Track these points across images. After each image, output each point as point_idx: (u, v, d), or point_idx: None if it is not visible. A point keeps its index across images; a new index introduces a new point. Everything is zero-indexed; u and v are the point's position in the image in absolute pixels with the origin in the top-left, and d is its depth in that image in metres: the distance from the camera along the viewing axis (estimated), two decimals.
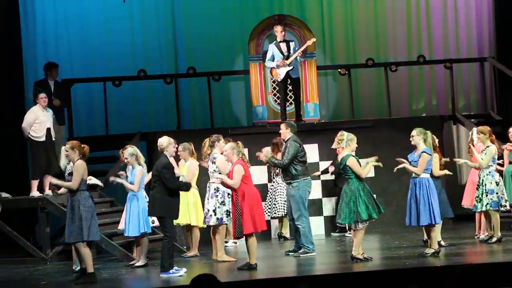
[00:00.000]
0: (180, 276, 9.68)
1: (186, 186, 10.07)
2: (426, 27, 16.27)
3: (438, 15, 16.28)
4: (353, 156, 10.00)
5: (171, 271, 9.73)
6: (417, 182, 10.17)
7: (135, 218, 10.75)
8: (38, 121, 12.08)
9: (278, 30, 13.94)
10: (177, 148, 10.66)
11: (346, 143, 10.06)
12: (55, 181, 9.70)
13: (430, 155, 10.21)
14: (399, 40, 16.21)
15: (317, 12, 16.12)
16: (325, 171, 13.38)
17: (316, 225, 13.42)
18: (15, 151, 13.09)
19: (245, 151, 10.28)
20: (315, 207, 13.54)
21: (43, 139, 12.09)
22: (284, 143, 11.11)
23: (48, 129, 12.18)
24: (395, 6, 16.21)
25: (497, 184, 11.10)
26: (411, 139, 10.34)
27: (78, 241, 9.46)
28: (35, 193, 12.13)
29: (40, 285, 9.87)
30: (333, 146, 10.28)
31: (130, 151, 10.89)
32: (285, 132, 11.06)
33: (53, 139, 12.30)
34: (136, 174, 10.78)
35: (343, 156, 10.02)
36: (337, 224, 12.16)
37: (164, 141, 10.07)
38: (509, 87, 15.41)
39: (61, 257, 11.86)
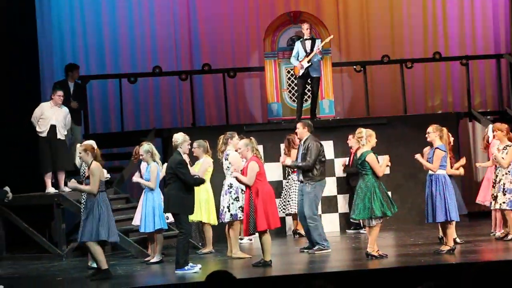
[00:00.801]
0: (195, 272, 9.69)
1: (200, 181, 10.11)
2: (442, 24, 16.20)
3: (454, 11, 16.20)
4: (373, 152, 9.98)
5: (186, 267, 9.75)
6: (433, 179, 10.14)
7: (151, 214, 10.78)
8: (43, 116, 12.15)
9: (304, 27, 13.90)
10: (191, 145, 10.69)
11: (365, 140, 10.05)
12: (74, 185, 9.71)
13: (444, 151, 10.18)
14: (415, 36, 16.15)
15: (332, 9, 16.08)
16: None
17: (331, 222, 13.41)
18: (30, 148, 13.13)
19: (260, 147, 10.27)
20: (330, 204, 13.52)
21: (45, 134, 12.16)
22: (302, 143, 11.05)
23: (53, 126, 12.20)
24: (410, 2, 16.15)
25: None
26: (427, 135, 10.31)
27: (90, 240, 9.49)
28: (50, 189, 12.19)
29: (55, 281, 9.91)
30: (351, 144, 10.26)
31: (146, 148, 10.92)
32: (303, 132, 11.02)
33: (60, 137, 12.27)
34: (151, 170, 10.80)
35: (362, 152, 10.00)
36: (351, 221, 12.13)
37: (179, 138, 10.08)
38: None
39: (77, 253, 11.90)
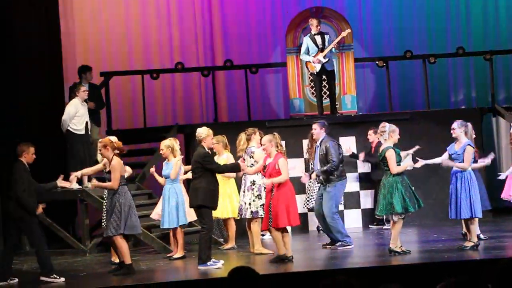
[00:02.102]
0: (217, 268, 9.71)
1: (235, 166, 10.19)
2: (466, 18, 16.10)
3: (477, 5, 16.09)
4: (393, 148, 9.92)
5: (208, 263, 9.77)
6: (458, 175, 10.07)
7: (174, 210, 10.81)
8: (79, 114, 12.18)
9: (313, 23, 13.86)
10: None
11: (388, 135, 9.99)
12: (96, 183, 9.74)
13: (473, 147, 10.14)
14: (438, 31, 16.06)
15: (355, 4, 16.04)
16: (355, 156, 13.24)
17: (354, 218, 13.39)
18: (54, 145, 13.21)
19: (282, 143, 10.26)
20: (353, 200, 13.48)
21: (83, 132, 12.19)
22: (319, 145, 10.98)
23: (87, 123, 12.30)
24: None
25: None
26: (452, 131, 10.23)
27: (115, 234, 9.53)
28: (74, 185, 12.24)
29: (79, 276, 9.97)
30: (372, 139, 10.23)
31: (167, 143, 10.96)
32: (319, 133, 10.97)
33: (89, 132, 12.41)
34: (173, 164, 10.83)
35: (383, 148, 9.96)
36: (376, 217, 12.10)
37: (203, 132, 10.10)
38: None
39: (100, 249, 11.97)
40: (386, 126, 10.04)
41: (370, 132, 12.86)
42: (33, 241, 9.76)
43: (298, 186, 12.27)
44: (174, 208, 10.81)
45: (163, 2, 15.80)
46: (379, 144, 12.39)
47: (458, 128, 10.15)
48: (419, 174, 13.28)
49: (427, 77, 14.89)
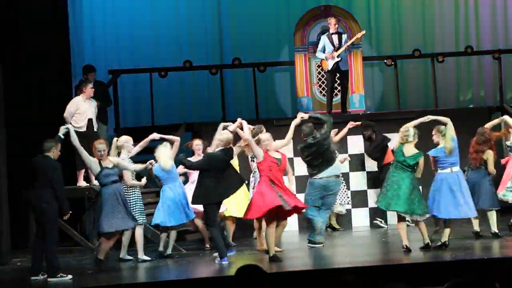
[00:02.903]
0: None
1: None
2: (474, 17, 16.07)
3: (486, 4, 16.06)
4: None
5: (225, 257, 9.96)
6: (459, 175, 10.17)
7: (179, 207, 10.80)
8: (79, 111, 12.17)
9: (331, 22, 13.87)
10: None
11: (412, 137, 10.05)
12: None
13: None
14: (447, 30, 16.04)
15: (363, 3, 16.02)
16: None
17: (361, 216, 13.36)
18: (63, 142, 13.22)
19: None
20: (360, 198, 13.46)
21: (84, 129, 12.17)
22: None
23: (90, 120, 12.28)
24: None
25: None
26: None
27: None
28: (81, 183, 12.28)
29: (87, 274, 9.99)
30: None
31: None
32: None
33: (96, 130, 12.39)
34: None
35: (416, 153, 9.97)
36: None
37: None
38: None
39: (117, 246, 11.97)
40: (409, 129, 10.11)
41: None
42: (48, 236, 9.80)
43: (303, 185, 12.25)
44: (179, 205, 10.84)
45: (172, 0, 15.81)
46: (381, 141, 12.49)
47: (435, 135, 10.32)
48: (426, 174, 13.24)
49: (435, 76, 14.87)
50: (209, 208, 9.96)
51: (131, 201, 10.62)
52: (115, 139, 10.93)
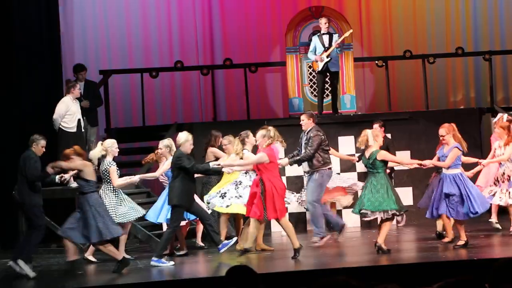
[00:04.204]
0: (166, 266, 9.92)
1: (216, 170, 10.26)
2: (465, 18, 16.10)
3: (477, 6, 16.10)
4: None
5: (162, 259, 10.01)
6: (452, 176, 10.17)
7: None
8: (70, 112, 12.15)
9: (322, 22, 13.86)
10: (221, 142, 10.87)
11: (373, 141, 10.12)
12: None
13: (461, 150, 10.20)
14: (437, 31, 16.07)
15: (354, 4, 16.04)
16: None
17: (352, 218, 13.34)
18: (51, 143, 13.18)
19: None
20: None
21: (74, 130, 12.15)
22: (305, 133, 11.14)
23: (79, 120, 12.26)
24: None
25: None
26: (441, 138, 10.35)
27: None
28: (72, 184, 12.23)
29: (77, 274, 9.96)
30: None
31: (166, 143, 11.01)
32: (308, 123, 11.14)
33: (83, 130, 12.37)
34: (166, 164, 10.85)
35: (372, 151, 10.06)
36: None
37: (182, 137, 10.25)
38: None
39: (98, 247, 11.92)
40: (367, 133, 10.24)
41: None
42: (33, 229, 9.83)
43: (295, 185, 12.28)
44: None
45: (163, 0, 15.79)
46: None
47: (446, 134, 10.29)
48: (418, 174, 13.29)
49: (426, 77, 14.89)
50: (179, 210, 10.05)
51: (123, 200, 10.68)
52: (100, 142, 10.88)
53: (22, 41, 13.24)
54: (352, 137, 13.46)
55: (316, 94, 14.15)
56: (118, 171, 10.69)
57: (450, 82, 16.11)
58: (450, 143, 10.28)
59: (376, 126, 12.45)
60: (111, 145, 10.76)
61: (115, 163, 10.74)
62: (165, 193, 10.81)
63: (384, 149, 12.67)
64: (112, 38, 15.61)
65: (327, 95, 14.12)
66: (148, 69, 14.90)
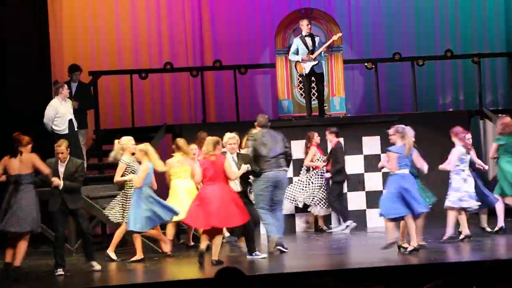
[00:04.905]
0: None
1: None
2: (454, 21, 16.15)
3: (466, 8, 16.15)
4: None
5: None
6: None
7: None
8: (59, 114, 12.10)
9: (303, 24, 13.88)
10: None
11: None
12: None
13: (397, 153, 10.24)
14: (427, 34, 16.11)
15: (344, 6, 16.06)
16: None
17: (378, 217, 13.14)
18: (41, 145, 13.14)
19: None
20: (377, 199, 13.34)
21: (66, 131, 12.12)
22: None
23: (70, 120, 12.22)
24: None
25: None
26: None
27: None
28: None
29: (66, 276, 9.94)
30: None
31: (140, 147, 10.85)
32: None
33: (75, 129, 12.34)
34: (141, 169, 10.68)
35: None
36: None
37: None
38: None
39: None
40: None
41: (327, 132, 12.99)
42: None
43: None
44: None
45: (153, 1, 15.79)
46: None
47: (393, 135, 10.33)
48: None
49: (415, 79, 14.93)
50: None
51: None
52: (116, 141, 10.94)
53: (10, 41, 13.22)
54: (342, 139, 13.48)
55: (305, 97, 14.16)
56: (128, 169, 10.76)
57: (439, 84, 16.15)
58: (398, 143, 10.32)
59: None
60: (127, 142, 10.82)
61: (128, 160, 10.80)
62: (135, 200, 10.72)
63: (332, 156, 12.77)
64: (102, 39, 15.58)
65: (316, 97, 14.12)
66: (137, 70, 14.89)
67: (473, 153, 11.34)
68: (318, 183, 12.88)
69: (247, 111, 15.53)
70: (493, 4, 16.13)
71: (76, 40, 15.49)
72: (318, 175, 12.94)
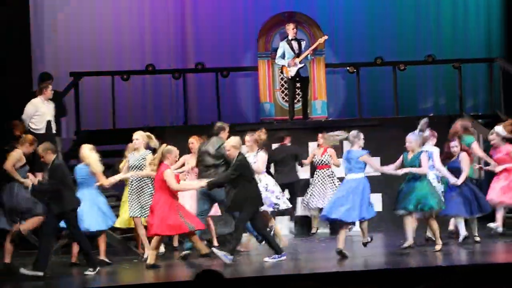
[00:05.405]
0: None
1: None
2: (436, 27, 16.24)
3: (447, 14, 16.25)
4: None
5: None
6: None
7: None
8: (39, 113, 12.05)
9: (290, 27, 13.91)
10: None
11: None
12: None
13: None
14: (408, 39, 16.19)
15: (327, 10, 16.10)
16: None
17: (322, 224, 13.36)
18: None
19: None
20: None
21: (43, 131, 12.06)
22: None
23: (49, 122, 12.16)
24: (405, 5, 16.18)
25: None
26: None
27: None
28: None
29: (44, 277, 9.89)
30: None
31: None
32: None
33: (54, 131, 12.27)
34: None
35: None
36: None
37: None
38: None
39: (65, 250, 11.86)
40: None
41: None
42: None
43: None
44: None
45: (135, 3, 15.75)
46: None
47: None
48: (387, 180, 13.35)
49: (396, 84, 14.99)
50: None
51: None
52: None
53: None
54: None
55: (288, 100, 14.19)
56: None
57: (420, 89, 16.24)
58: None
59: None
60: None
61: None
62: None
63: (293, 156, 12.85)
64: (83, 40, 15.53)
65: (298, 101, 14.17)
66: (119, 72, 14.84)
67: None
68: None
69: (228, 113, 15.52)
70: (475, 11, 16.25)
71: (58, 41, 15.42)
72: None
